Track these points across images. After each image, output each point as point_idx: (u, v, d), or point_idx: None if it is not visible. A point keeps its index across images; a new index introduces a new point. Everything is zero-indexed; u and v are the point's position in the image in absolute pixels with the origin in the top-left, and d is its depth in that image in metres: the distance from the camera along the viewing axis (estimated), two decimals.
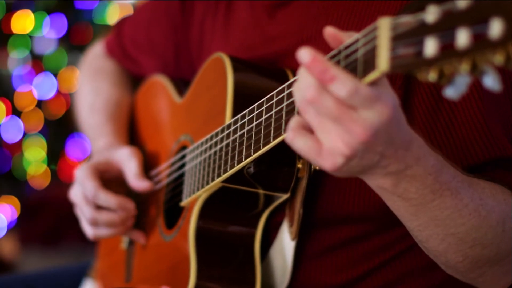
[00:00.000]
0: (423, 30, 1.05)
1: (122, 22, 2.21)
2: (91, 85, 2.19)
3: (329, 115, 1.16)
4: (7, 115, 4.56)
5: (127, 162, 1.86)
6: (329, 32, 1.23)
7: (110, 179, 1.87)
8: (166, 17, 2.04)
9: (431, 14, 1.05)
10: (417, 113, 1.49)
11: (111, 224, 1.83)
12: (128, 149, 1.88)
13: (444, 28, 1.03)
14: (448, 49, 1.02)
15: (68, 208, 1.96)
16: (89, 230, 1.87)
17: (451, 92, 1.05)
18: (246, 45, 1.77)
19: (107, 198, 1.81)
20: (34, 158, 4.58)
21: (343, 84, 1.14)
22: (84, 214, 1.84)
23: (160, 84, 2.00)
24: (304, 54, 1.18)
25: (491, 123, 1.47)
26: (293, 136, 1.22)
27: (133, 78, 2.20)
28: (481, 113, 1.46)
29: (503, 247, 1.41)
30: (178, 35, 2.01)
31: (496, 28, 0.97)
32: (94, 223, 1.83)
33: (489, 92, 1.42)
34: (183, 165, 1.75)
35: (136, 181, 1.83)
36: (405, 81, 1.48)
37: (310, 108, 1.18)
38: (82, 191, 1.83)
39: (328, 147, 1.18)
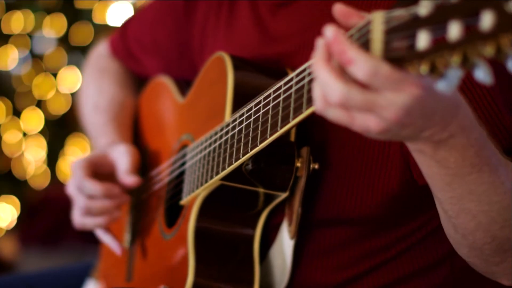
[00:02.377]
0: (416, 23, 1.05)
1: (127, 22, 2.21)
2: (95, 85, 2.19)
3: (359, 109, 1.13)
4: (7, 115, 4.56)
5: (120, 158, 1.88)
6: (340, 9, 1.19)
7: (106, 174, 1.89)
8: (170, 17, 2.04)
9: (424, 8, 1.05)
10: None
11: (106, 211, 1.86)
12: (124, 146, 1.91)
13: (437, 21, 1.03)
14: (440, 42, 1.02)
15: (68, 208, 1.97)
16: (77, 218, 1.89)
17: (443, 86, 1.05)
18: (248, 45, 1.77)
19: (92, 186, 1.83)
20: (34, 158, 4.58)
21: (361, 65, 1.11)
22: (78, 203, 1.87)
23: (163, 85, 2.01)
24: (329, 32, 1.14)
25: (503, 116, 1.45)
26: (323, 107, 1.17)
27: (137, 79, 2.21)
28: (493, 109, 1.44)
29: None
30: (182, 35, 2.01)
31: (487, 20, 0.97)
32: (88, 212, 1.86)
33: (499, 86, 1.40)
34: (183, 164, 1.76)
35: (124, 176, 1.86)
36: None
37: (333, 110, 1.15)
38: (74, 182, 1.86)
39: (360, 125, 1.15)
